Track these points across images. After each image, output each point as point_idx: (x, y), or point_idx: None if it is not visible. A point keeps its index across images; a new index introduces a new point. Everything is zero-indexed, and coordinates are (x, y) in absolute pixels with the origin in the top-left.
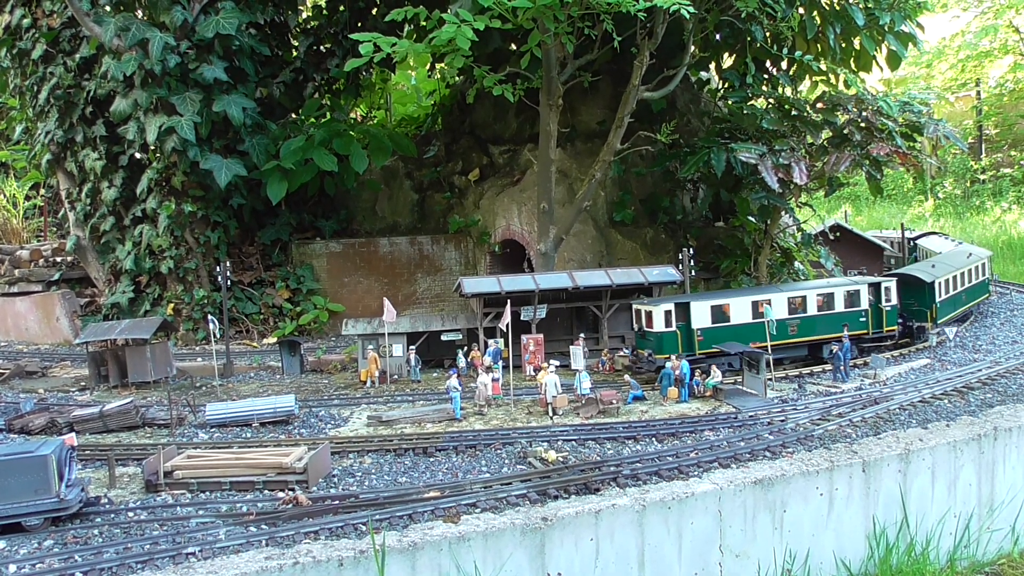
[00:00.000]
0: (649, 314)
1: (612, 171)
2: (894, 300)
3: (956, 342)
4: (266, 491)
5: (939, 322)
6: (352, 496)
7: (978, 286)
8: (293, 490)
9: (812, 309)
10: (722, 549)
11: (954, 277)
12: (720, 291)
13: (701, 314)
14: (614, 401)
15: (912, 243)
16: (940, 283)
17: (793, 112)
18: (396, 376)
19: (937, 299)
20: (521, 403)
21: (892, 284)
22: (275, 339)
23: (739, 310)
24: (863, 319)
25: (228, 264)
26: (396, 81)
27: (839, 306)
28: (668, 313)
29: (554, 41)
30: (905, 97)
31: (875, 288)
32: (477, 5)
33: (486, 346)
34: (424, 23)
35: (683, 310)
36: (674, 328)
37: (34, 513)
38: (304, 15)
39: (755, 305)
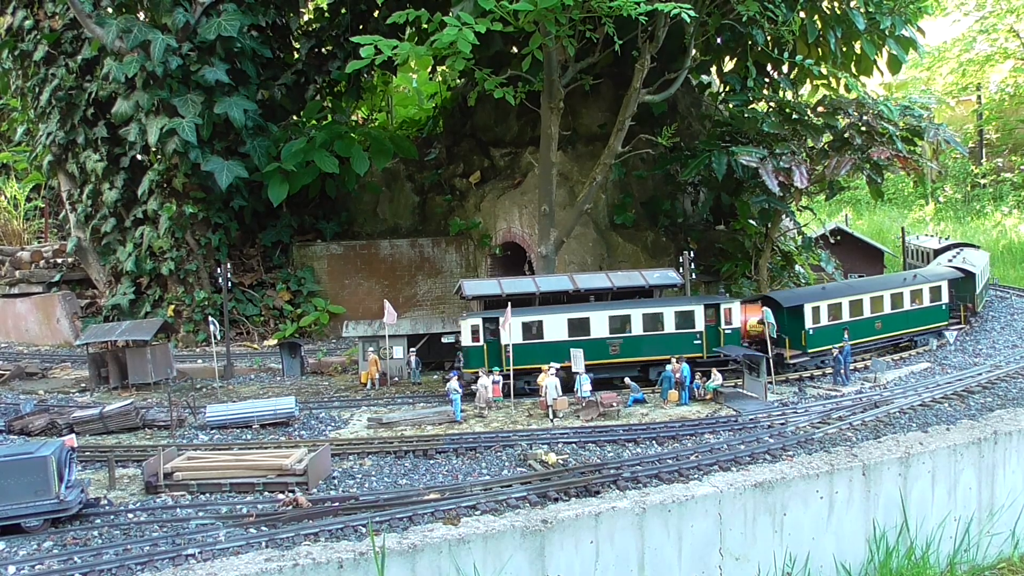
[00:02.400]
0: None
1: (613, 174)
2: (736, 322)
3: (956, 346)
4: (266, 493)
5: (809, 351)
6: (352, 498)
7: (920, 312)
8: (293, 492)
9: (637, 329)
10: (722, 552)
11: (852, 302)
12: (538, 307)
13: (512, 330)
14: (614, 404)
15: (935, 254)
16: (811, 308)
17: (794, 116)
18: (396, 378)
19: (808, 326)
20: (521, 406)
21: (733, 305)
22: (276, 341)
23: (554, 327)
24: (697, 342)
25: (229, 266)
26: (397, 83)
27: (669, 327)
28: (475, 328)
29: (555, 44)
30: (906, 101)
31: (714, 309)
32: (479, 8)
33: None
34: (425, 26)
35: (492, 325)
36: (481, 343)
37: (34, 514)
38: (306, 17)
39: (571, 323)
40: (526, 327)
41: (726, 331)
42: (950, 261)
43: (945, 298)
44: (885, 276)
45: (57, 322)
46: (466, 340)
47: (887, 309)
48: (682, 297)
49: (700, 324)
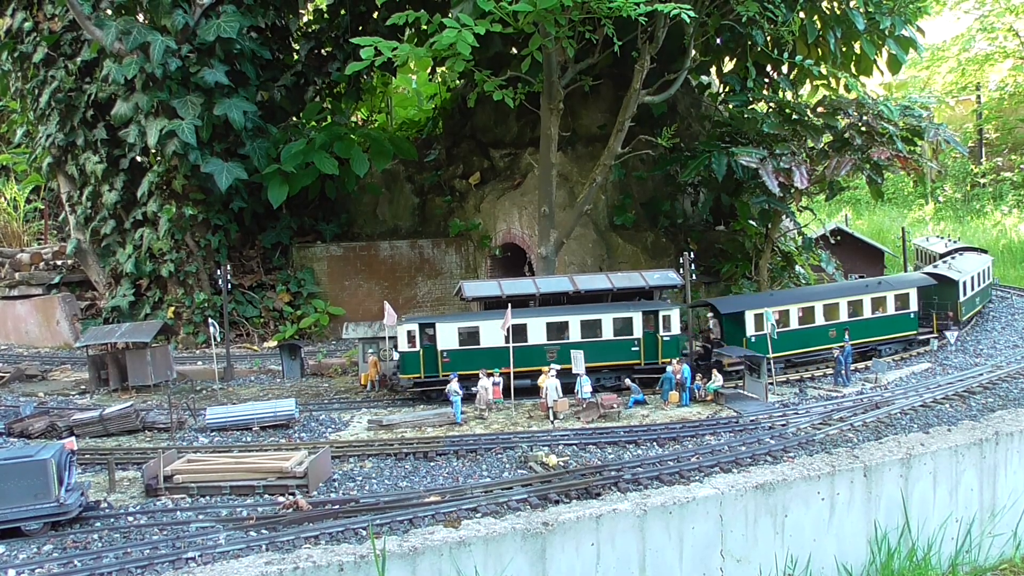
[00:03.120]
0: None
1: (613, 175)
2: (676, 329)
3: (957, 346)
4: (266, 495)
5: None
6: (352, 500)
7: (884, 321)
8: (293, 494)
9: (575, 335)
10: (723, 554)
11: (801, 309)
12: (472, 313)
13: (448, 335)
14: (615, 405)
15: (939, 258)
16: (753, 315)
17: (794, 116)
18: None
19: (749, 333)
20: (522, 407)
21: (672, 312)
22: (275, 343)
23: (490, 333)
24: (635, 348)
25: (229, 267)
26: (397, 85)
27: (607, 334)
28: (411, 333)
29: (555, 45)
30: (906, 101)
31: (653, 316)
32: (478, 9)
33: None
34: (425, 27)
35: (430, 330)
36: (417, 348)
37: (33, 517)
38: (305, 19)
39: (509, 328)
40: (462, 332)
41: (664, 338)
42: (935, 268)
43: (914, 306)
44: (847, 283)
45: (57, 324)
46: (402, 345)
47: (843, 317)
48: (620, 303)
49: (638, 331)
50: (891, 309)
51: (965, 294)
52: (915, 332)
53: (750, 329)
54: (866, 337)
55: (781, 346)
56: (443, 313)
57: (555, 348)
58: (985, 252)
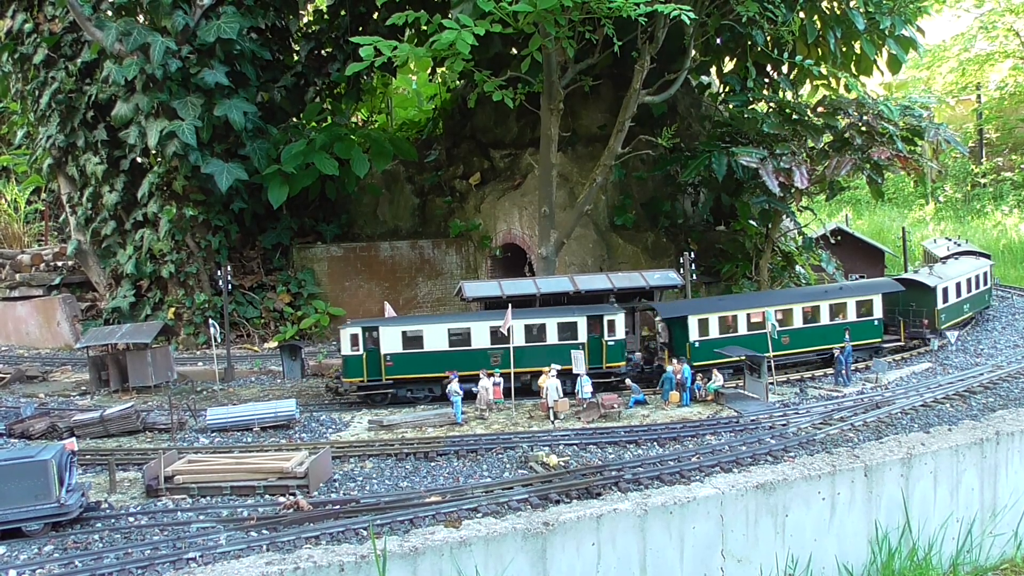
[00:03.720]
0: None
1: (613, 175)
2: (620, 334)
3: (958, 346)
4: (267, 496)
5: (694, 364)
6: (353, 501)
7: (843, 328)
8: (294, 495)
9: (519, 340)
10: (724, 554)
11: (750, 315)
12: (417, 316)
13: (391, 339)
14: (615, 405)
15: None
16: (696, 320)
17: (794, 116)
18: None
19: (693, 338)
20: (522, 407)
21: (617, 317)
22: (276, 343)
23: (434, 337)
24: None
25: (229, 268)
26: (397, 85)
27: (551, 338)
28: (355, 336)
29: (555, 45)
30: (906, 101)
31: (598, 320)
32: (478, 10)
33: None
34: (425, 27)
35: (373, 334)
36: (360, 352)
37: (34, 518)
38: (305, 19)
39: (451, 333)
40: (406, 337)
41: (609, 342)
42: (914, 272)
43: (878, 313)
44: (805, 288)
45: (57, 325)
46: (345, 349)
47: (798, 323)
48: (565, 307)
49: (583, 335)
50: (852, 316)
51: (945, 301)
52: (879, 340)
53: (694, 334)
54: (825, 344)
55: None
56: (444, 314)
57: (499, 352)
58: (987, 256)
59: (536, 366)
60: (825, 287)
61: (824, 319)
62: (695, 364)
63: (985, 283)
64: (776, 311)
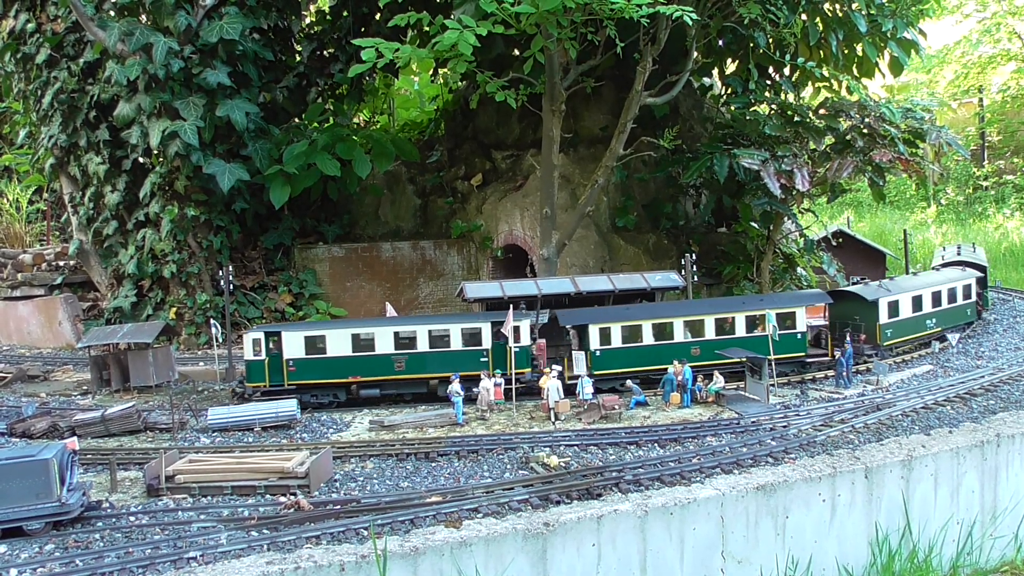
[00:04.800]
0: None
1: (615, 176)
2: (526, 340)
3: (959, 348)
4: (268, 495)
5: (595, 373)
6: (354, 501)
7: (762, 340)
8: (295, 495)
9: (423, 346)
10: (724, 555)
11: (656, 325)
12: (320, 322)
13: (294, 344)
14: (616, 406)
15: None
16: (598, 329)
17: (796, 118)
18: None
19: (594, 347)
20: (523, 408)
21: (523, 323)
22: None
23: (337, 342)
24: (484, 359)
25: (231, 268)
26: (399, 86)
27: (455, 344)
28: (257, 341)
29: (557, 47)
30: (908, 104)
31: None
32: (480, 11)
33: None
34: (427, 28)
35: (276, 339)
36: (263, 357)
37: (35, 517)
38: (307, 20)
39: (355, 338)
40: (309, 341)
41: (514, 349)
42: (859, 283)
43: (801, 326)
44: (722, 299)
45: (59, 325)
46: (248, 354)
47: (710, 335)
48: (470, 314)
49: (487, 342)
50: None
51: (893, 315)
52: (803, 354)
53: (595, 343)
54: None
55: (630, 362)
56: (445, 314)
57: (403, 358)
58: (981, 268)
59: (440, 372)
60: (744, 298)
61: (740, 331)
62: (596, 373)
63: (966, 297)
64: (684, 322)
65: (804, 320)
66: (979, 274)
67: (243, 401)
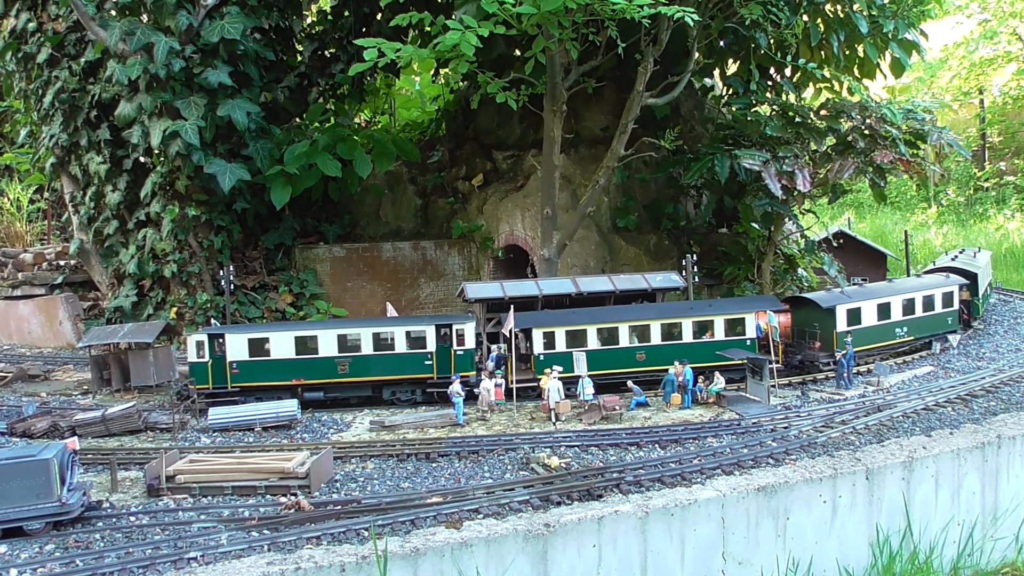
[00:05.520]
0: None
1: (616, 177)
2: (470, 343)
3: (960, 350)
4: (268, 496)
5: (539, 376)
6: (354, 501)
7: (710, 346)
8: (295, 495)
9: (367, 348)
10: (725, 556)
11: (601, 330)
12: (262, 325)
13: (237, 347)
14: (617, 407)
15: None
16: (542, 333)
17: (797, 119)
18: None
19: (537, 351)
20: (524, 409)
21: (468, 326)
22: None
23: (281, 345)
24: (428, 362)
25: (231, 268)
26: (400, 86)
27: (400, 347)
28: (200, 344)
29: (558, 47)
30: (909, 105)
31: (447, 330)
32: (482, 11)
33: (488, 351)
34: (428, 28)
35: (220, 341)
36: (207, 359)
37: (36, 517)
38: (309, 20)
39: (298, 340)
40: (252, 343)
41: (458, 352)
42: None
43: (751, 332)
44: (673, 304)
45: (60, 324)
46: (192, 356)
47: (656, 340)
48: (414, 317)
49: (431, 345)
50: (721, 334)
51: (851, 323)
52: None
53: (538, 347)
54: (689, 363)
55: (570, 366)
56: (446, 315)
57: (347, 361)
58: (967, 275)
59: (383, 375)
60: (692, 303)
61: (687, 337)
62: (539, 377)
63: (946, 305)
64: (630, 327)
65: (754, 326)
66: (963, 281)
67: (189, 403)
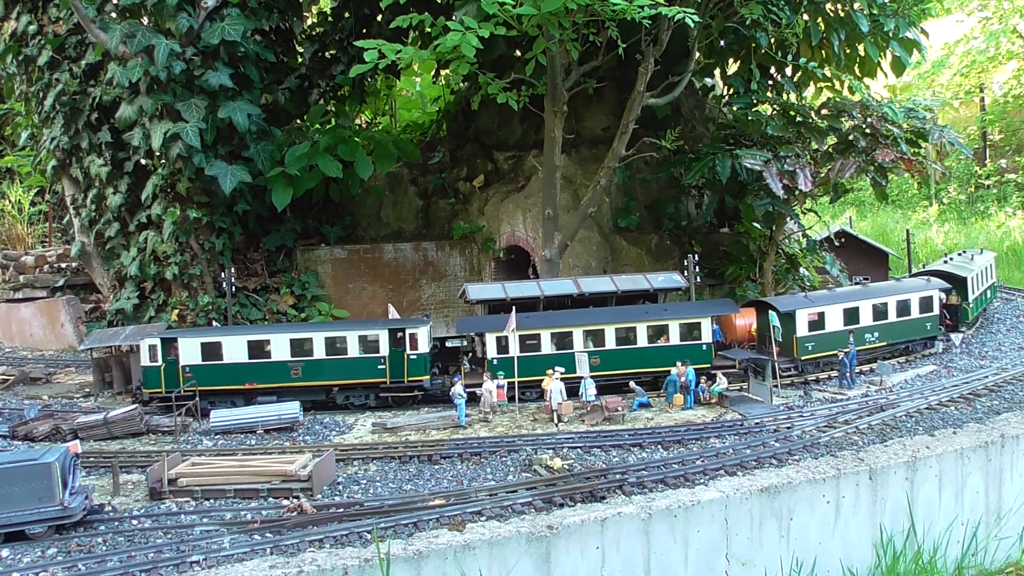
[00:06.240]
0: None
1: (617, 177)
2: (423, 348)
3: (962, 349)
4: (271, 499)
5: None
6: (357, 504)
7: (664, 351)
8: (298, 498)
9: (319, 353)
10: (728, 557)
11: (555, 334)
12: (215, 328)
13: (190, 351)
14: (619, 408)
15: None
16: (493, 338)
17: (798, 118)
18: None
19: (490, 356)
20: (526, 410)
21: (420, 330)
22: None
23: (233, 349)
24: (381, 366)
25: (233, 270)
26: (401, 87)
27: (352, 351)
28: (153, 347)
29: (559, 48)
30: (910, 103)
31: (400, 334)
32: (482, 12)
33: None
34: (429, 30)
35: (173, 345)
36: (159, 363)
37: (38, 521)
38: (309, 22)
39: (251, 344)
40: (205, 347)
41: (411, 356)
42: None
43: (706, 337)
44: (627, 308)
45: (61, 327)
46: (144, 360)
47: (610, 344)
48: (367, 321)
49: (384, 349)
50: (676, 339)
51: (813, 328)
52: (709, 365)
53: (491, 351)
54: (643, 368)
55: (525, 371)
56: (447, 317)
57: (299, 365)
58: (950, 279)
59: (336, 379)
60: (647, 307)
61: (642, 341)
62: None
63: (925, 310)
64: (584, 331)
65: (710, 331)
66: (945, 285)
67: (143, 405)
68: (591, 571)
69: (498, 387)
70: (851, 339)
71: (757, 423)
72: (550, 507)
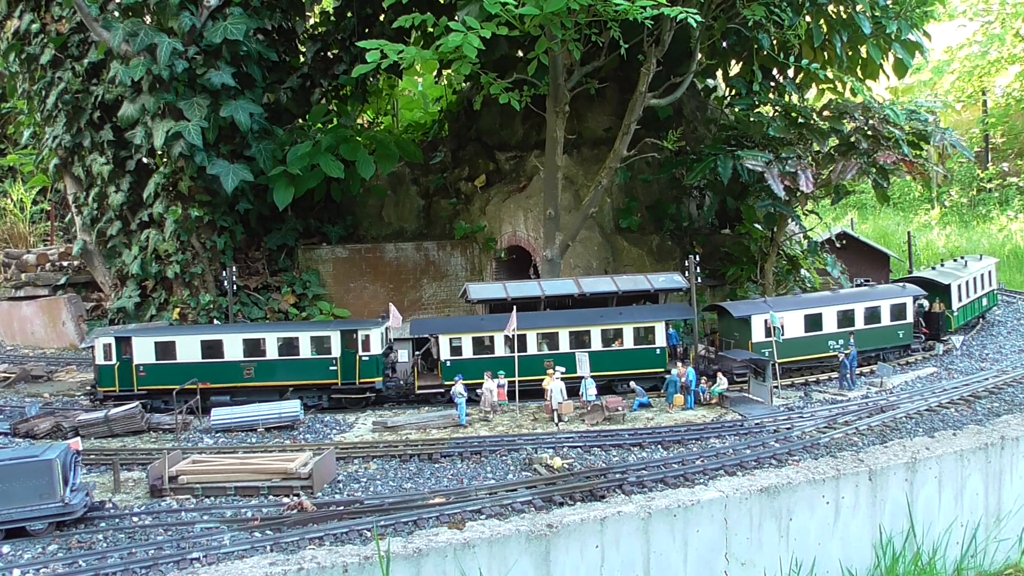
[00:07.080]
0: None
1: (618, 178)
2: (376, 349)
3: (963, 351)
4: (271, 496)
5: (446, 383)
6: (357, 502)
7: (623, 355)
8: (298, 496)
9: (272, 353)
10: (727, 557)
11: (473, 338)
12: (168, 328)
13: (144, 350)
14: (619, 408)
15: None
16: (447, 339)
17: (800, 120)
18: (401, 382)
19: (444, 357)
20: (526, 409)
21: (374, 332)
22: None
23: (186, 348)
24: (332, 368)
25: (234, 269)
26: (403, 87)
27: (304, 352)
28: (107, 346)
29: (561, 48)
30: (912, 105)
31: (352, 335)
32: (484, 12)
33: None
34: (431, 30)
35: (127, 344)
36: (113, 362)
37: (38, 518)
38: (312, 21)
39: (204, 344)
40: (159, 347)
41: (364, 358)
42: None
43: (660, 341)
44: (581, 311)
45: (63, 325)
46: (99, 359)
47: (564, 347)
48: (320, 322)
49: (336, 350)
50: (630, 343)
51: (770, 336)
52: (663, 370)
53: (445, 353)
54: (597, 370)
55: (475, 372)
56: (448, 316)
57: (252, 365)
58: (931, 287)
59: (289, 380)
60: (603, 311)
61: (596, 345)
62: (446, 384)
63: (897, 317)
64: (538, 334)
65: (663, 335)
66: (920, 292)
67: (99, 404)
68: (590, 570)
69: (499, 386)
70: (852, 340)
71: (757, 424)
72: (550, 506)
